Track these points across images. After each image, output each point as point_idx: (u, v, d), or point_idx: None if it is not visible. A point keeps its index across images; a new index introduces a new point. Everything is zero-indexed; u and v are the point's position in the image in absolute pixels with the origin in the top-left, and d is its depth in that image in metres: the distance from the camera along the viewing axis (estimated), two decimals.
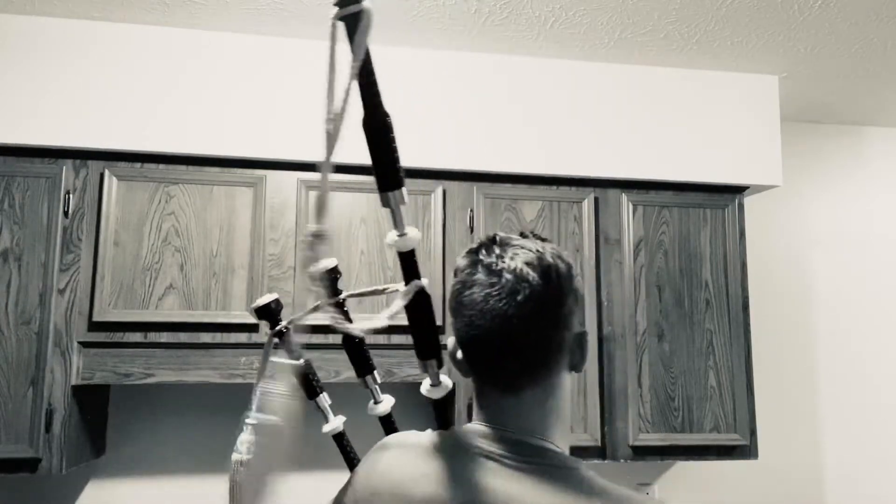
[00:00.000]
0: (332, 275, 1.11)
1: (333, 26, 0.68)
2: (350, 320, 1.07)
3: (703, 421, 2.24)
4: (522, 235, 0.84)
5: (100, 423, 2.22)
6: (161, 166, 2.06)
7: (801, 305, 2.79)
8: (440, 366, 0.97)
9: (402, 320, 0.91)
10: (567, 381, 0.83)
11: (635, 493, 0.77)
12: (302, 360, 1.20)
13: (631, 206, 2.30)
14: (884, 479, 2.74)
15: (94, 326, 1.96)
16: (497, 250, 0.81)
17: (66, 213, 1.98)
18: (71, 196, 1.99)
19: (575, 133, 2.27)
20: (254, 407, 0.63)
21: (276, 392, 0.63)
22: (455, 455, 0.80)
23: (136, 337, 1.98)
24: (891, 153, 2.95)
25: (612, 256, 2.27)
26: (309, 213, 2.09)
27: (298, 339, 0.70)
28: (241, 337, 2.02)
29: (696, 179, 2.32)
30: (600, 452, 2.17)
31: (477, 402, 0.85)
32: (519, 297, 0.77)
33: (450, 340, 0.85)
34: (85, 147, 2.00)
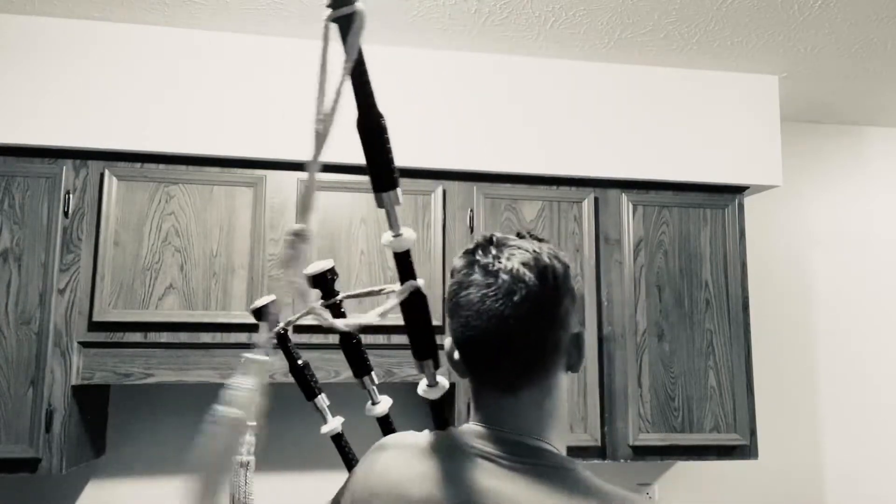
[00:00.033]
0: (329, 276, 1.11)
1: (326, 27, 0.68)
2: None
3: (703, 421, 2.24)
4: (519, 236, 0.84)
5: (100, 423, 2.22)
6: (161, 166, 2.06)
7: (801, 305, 2.79)
8: (437, 366, 0.97)
9: (398, 320, 0.92)
10: (564, 381, 0.83)
11: (632, 494, 0.77)
12: (300, 361, 1.21)
13: (631, 206, 2.30)
14: (884, 479, 2.74)
15: (94, 326, 1.96)
16: (493, 251, 0.81)
17: (66, 213, 1.99)
18: (71, 196, 2.00)
19: (575, 133, 2.27)
20: (218, 401, 0.63)
21: (241, 387, 0.63)
22: (452, 455, 0.81)
23: (136, 337, 1.98)
24: (891, 153, 2.95)
25: (612, 256, 2.27)
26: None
27: (269, 337, 0.70)
28: (241, 337, 2.02)
29: (696, 179, 2.32)
30: (600, 452, 2.17)
31: (474, 403, 0.85)
32: (515, 298, 0.77)
33: (447, 341, 0.85)
34: (85, 147, 2.00)
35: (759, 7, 1.99)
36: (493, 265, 0.79)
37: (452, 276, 0.84)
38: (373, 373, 1.15)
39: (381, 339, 2.02)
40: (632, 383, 2.21)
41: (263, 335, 0.71)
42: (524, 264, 0.78)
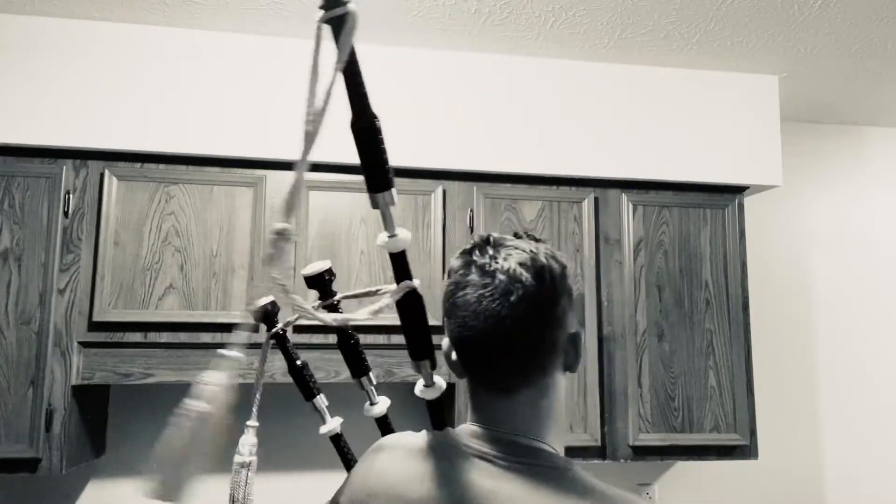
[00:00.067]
0: (327, 276, 1.11)
1: (318, 28, 0.68)
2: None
3: (703, 421, 2.24)
4: (516, 236, 0.84)
5: (100, 423, 2.23)
6: (161, 166, 2.06)
7: (801, 305, 2.79)
8: (433, 366, 0.97)
9: (397, 319, 0.92)
10: (561, 381, 0.83)
11: (629, 493, 0.77)
12: (299, 361, 1.21)
13: (631, 206, 2.30)
14: (884, 479, 2.74)
15: (94, 326, 1.96)
16: (490, 251, 0.81)
17: (66, 213, 1.99)
18: (71, 196, 2.00)
19: (575, 133, 2.27)
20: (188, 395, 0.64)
21: (211, 382, 0.64)
22: (449, 455, 0.81)
23: (136, 337, 1.98)
24: (891, 153, 2.95)
25: (612, 256, 2.27)
26: (308, 214, 2.10)
27: (244, 335, 0.71)
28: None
29: (696, 179, 2.32)
30: (600, 452, 2.17)
31: (471, 403, 0.85)
32: (512, 298, 0.77)
33: (444, 341, 0.85)
34: (85, 147, 2.00)
35: (759, 7, 1.99)
36: (490, 265, 0.79)
37: (449, 276, 0.84)
38: (371, 373, 1.15)
39: (380, 339, 2.02)
40: (632, 383, 2.21)
41: (242, 334, 0.72)
42: (521, 264, 0.78)
